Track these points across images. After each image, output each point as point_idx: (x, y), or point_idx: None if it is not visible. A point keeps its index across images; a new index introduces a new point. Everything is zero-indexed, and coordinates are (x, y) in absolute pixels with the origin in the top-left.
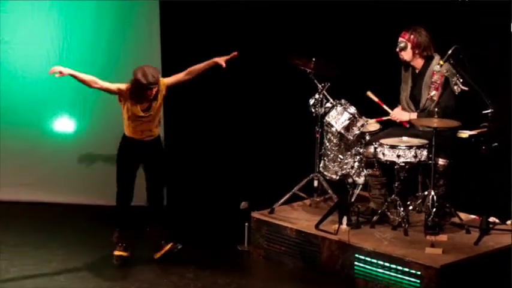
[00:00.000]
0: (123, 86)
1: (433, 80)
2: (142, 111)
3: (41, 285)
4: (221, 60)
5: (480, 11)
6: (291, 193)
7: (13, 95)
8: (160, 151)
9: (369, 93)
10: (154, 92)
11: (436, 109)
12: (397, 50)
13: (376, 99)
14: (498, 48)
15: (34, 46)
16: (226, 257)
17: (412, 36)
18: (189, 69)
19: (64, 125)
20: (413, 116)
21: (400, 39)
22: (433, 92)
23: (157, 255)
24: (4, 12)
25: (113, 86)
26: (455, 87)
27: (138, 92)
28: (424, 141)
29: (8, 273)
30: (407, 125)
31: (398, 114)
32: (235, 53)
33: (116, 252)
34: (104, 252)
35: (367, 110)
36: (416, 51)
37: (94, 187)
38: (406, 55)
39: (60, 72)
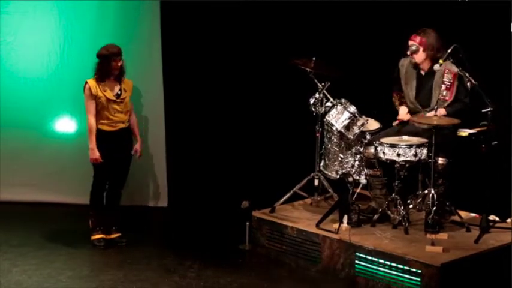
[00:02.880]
0: (90, 84)
1: (444, 79)
2: (113, 96)
3: (43, 285)
4: (139, 145)
5: (480, 11)
6: (291, 192)
7: (14, 96)
8: (130, 141)
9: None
10: (119, 65)
11: (457, 105)
12: (409, 53)
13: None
14: (498, 48)
15: (35, 47)
16: (227, 256)
17: (423, 39)
18: (132, 115)
19: (65, 125)
20: (442, 111)
21: (411, 42)
22: (445, 92)
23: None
24: (6, 14)
25: (92, 100)
26: (468, 84)
27: (105, 69)
28: (424, 140)
29: (11, 273)
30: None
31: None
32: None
33: (96, 236)
34: (106, 252)
35: (367, 109)
36: (429, 53)
37: None
38: (418, 58)
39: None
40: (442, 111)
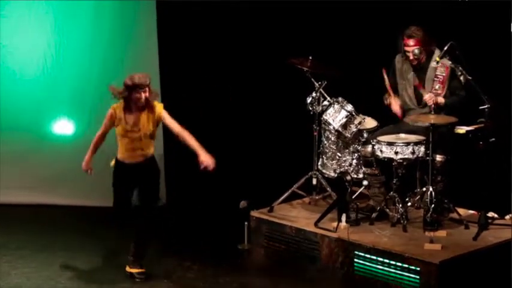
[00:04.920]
0: (113, 107)
1: (437, 73)
2: (131, 126)
3: None
4: (202, 157)
5: (480, 11)
6: (290, 191)
7: (12, 99)
8: (154, 173)
9: (384, 72)
10: (143, 97)
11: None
12: (414, 57)
13: (387, 81)
14: (498, 48)
15: (32, 49)
16: (226, 256)
17: (417, 39)
18: (183, 134)
19: (63, 127)
20: (441, 99)
21: (411, 48)
22: (438, 85)
23: (127, 269)
24: (2, 17)
25: (107, 121)
26: (462, 77)
27: (129, 99)
28: (422, 138)
29: (10, 276)
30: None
31: (432, 97)
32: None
33: (134, 270)
34: (104, 254)
35: (364, 107)
36: (426, 48)
37: (94, 189)
38: (423, 57)
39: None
40: (440, 99)
